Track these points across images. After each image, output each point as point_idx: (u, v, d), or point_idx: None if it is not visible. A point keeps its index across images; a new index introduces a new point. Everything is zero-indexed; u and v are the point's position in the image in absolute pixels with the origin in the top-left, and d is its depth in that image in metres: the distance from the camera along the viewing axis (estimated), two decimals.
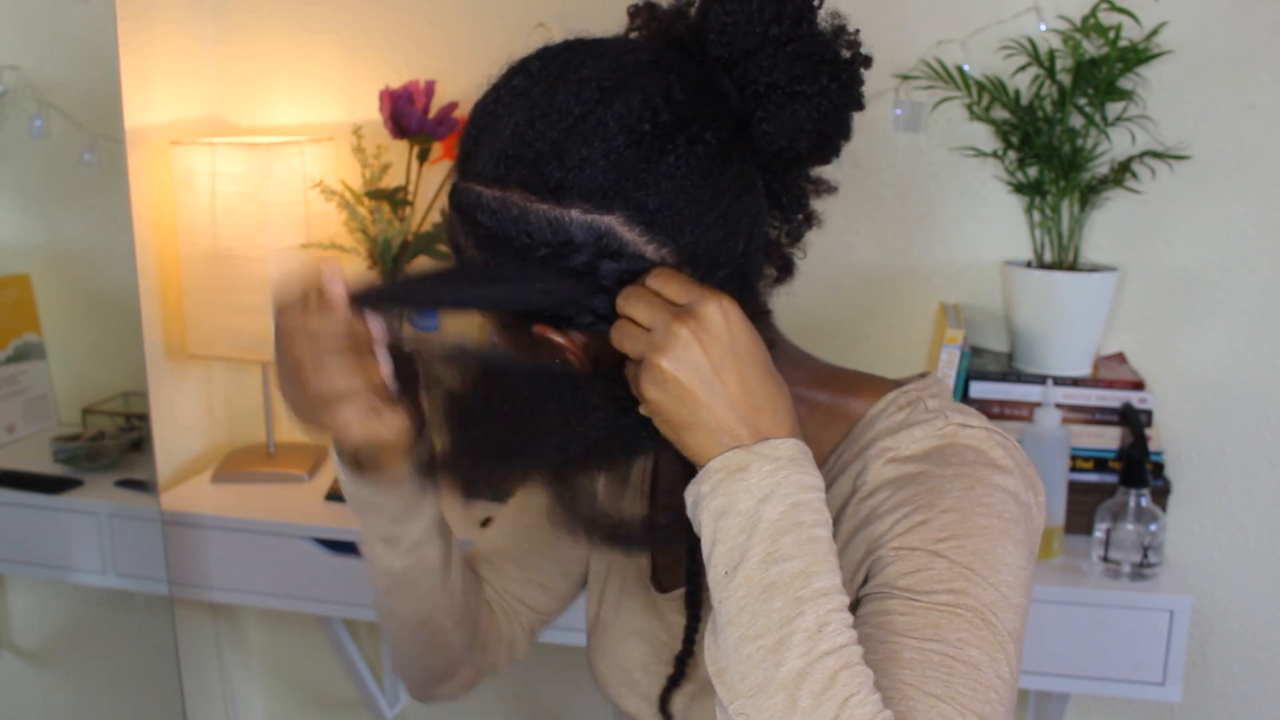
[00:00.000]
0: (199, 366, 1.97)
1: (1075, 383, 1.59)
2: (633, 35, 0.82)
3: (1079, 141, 1.57)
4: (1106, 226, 1.67)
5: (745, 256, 0.77)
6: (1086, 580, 1.49)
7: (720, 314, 0.70)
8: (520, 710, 2.07)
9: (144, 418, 1.74)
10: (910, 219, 1.74)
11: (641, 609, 0.97)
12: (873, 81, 0.80)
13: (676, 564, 0.94)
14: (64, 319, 1.76)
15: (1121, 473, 1.52)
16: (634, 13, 0.82)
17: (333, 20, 1.89)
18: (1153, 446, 1.54)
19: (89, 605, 1.87)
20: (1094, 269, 1.62)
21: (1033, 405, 1.56)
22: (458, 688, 1.04)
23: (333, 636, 1.93)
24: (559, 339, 0.75)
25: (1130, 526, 1.49)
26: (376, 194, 1.75)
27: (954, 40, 1.65)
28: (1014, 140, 1.61)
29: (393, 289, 0.81)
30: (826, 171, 0.83)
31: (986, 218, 1.71)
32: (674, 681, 0.92)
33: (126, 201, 1.67)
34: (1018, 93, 1.61)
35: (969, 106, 1.64)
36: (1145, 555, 1.48)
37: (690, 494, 0.72)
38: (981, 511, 0.74)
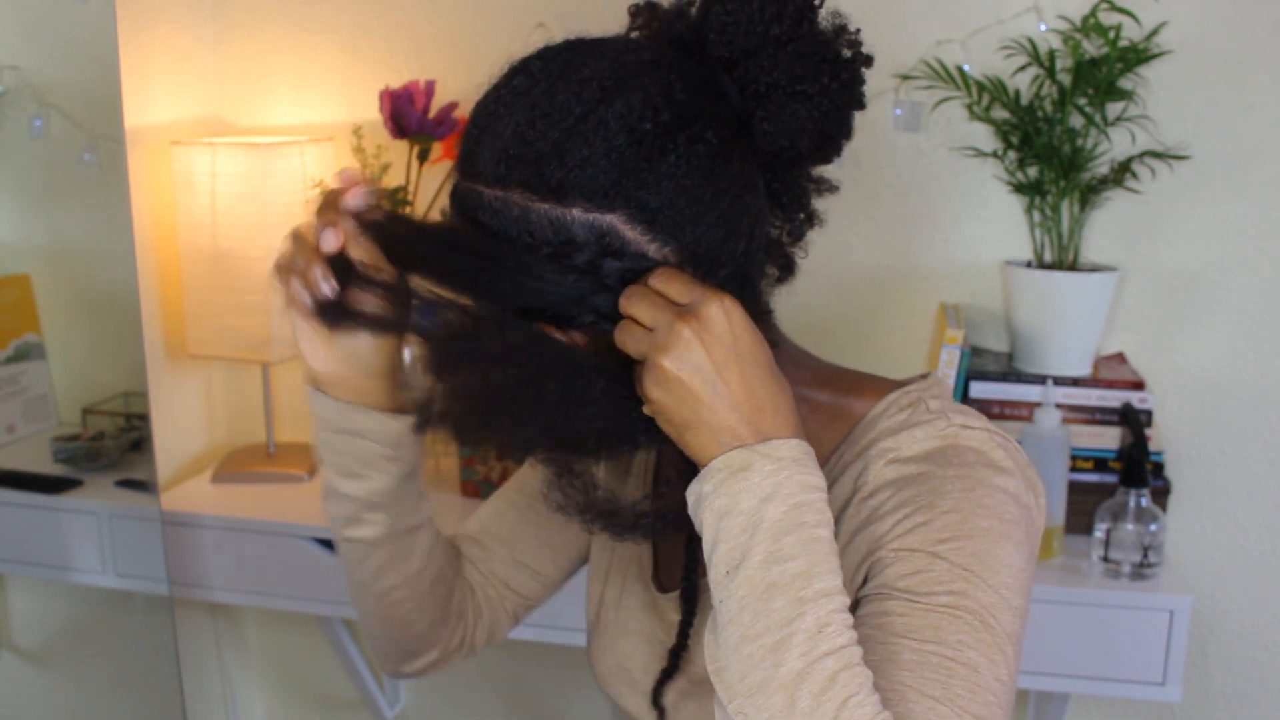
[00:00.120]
0: (199, 366, 1.97)
1: (1075, 383, 1.59)
2: (633, 35, 0.82)
3: (1079, 141, 1.57)
4: (1106, 226, 1.67)
5: (747, 256, 0.77)
6: (1086, 580, 1.49)
7: (722, 313, 0.71)
8: (520, 710, 2.07)
9: (144, 418, 1.74)
10: (910, 219, 1.74)
11: (642, 608, 0.97)
12: (873, 81, 0.80)
13: (677, 563, 0.94)
14: (64, 319, 1.76)
15: (1121, 473, 1.52)
16: (635, 12, 0.82)
17: (333, 20, 1.89)
18: (1153, 446, 1.55)
19: (89, 605, 1.87)
20: (1094, 269, 1.62)
21: (1033, 405, 1.56)
22: (427, 667, 1.03)
23: (333, 636, 1.93)
24: (561, 338, 0.75)
25: (1130, 526, 1.49)
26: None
27: (954, 40, 1.65)
28: (1014, 140, 1.61)
29: (407, 242, 0.79)
30: (826, 171, 0.83)
31: (986, 218, 1.71)
32: (667, 674, 0.92)
33: (126, 201, 1.67)
34: (1018, 93, 1.61)
35: (969, 106, 1.64)
36: (1145, 555, 1.49)
37: (692, 493, 0.72)
38: (982, 513, 0.74)
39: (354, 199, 0.78)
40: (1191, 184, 1.63)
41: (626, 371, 0.74)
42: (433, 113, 1.73)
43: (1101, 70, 1.55)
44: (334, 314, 0.80)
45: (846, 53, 0.78)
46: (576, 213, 0.72)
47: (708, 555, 0.70)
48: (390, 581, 0.93)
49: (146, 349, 1.77)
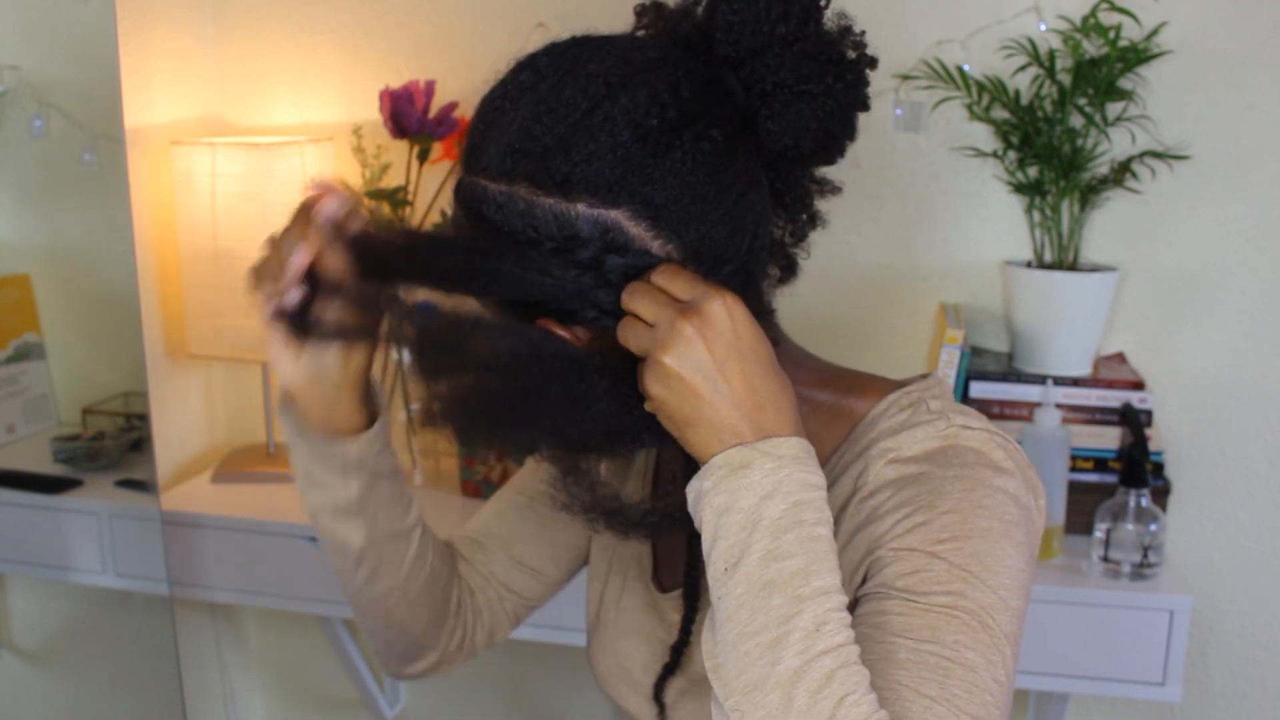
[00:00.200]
0: (199, 366, 1.97)
1: (1075, 383, 1.59)
2: (639, 34, 0.82)
3: (1079, 141, 1.57)
4: (1106, 226, 1.67)
5: (750, 254, 0.77)
6: (1086, 580, 1.49)
7: (724, 311, 0.71)
8: (520, 710, 2.07)
9: (144, 418, 1.74)
10: (910, 219, 1.74)
11: (642, 608, 0.97)
12: (873, 81, 0.80)
13: (678, 563, 0.94)
14: (64, 319, 1.76)
15: (1121, 473, 1.52)
16: (640, 12, 0.82)
17: (333, 20, 1.89)
18: (1153, 446, 1.55)
19: (89, 605, 1.87)
20: (1094, 269, 1.62)
21: (1033, 405, 1.56)
22: (428, 669, 1.03)
23: (333, 636, 1.93)
24: (563, 334, 0.75)
25: (1130, 526, 1.49)
26: (376, 194, 1.75)
27: (954, 40, 1.65)
28: (1014, 140, 1.61)
29: (392, 250, 0.78)
30: (827, 172, 0.83)
31: (986, 218, 1.71)
32: (669, 670, 0.92)
33: (126, 201, 1.67)
34: (1018, 93, 1.61)
35: (969, 106, 1.64)
36: (1145, 555, 1.49)
37: (692, 489, 0.72)
38: (982, 513, 0.74)
39: (330, 207, 0.77)
40: (1191, 184, 1.63)
41: (628, 368, 0.74)
42: (433, 113, 1.73)
43: (1101, 70, 1.55)
44: (302, 325, 0.79)
45: (851, 54, 0.78)
46: (581, 208, 0.72)
47: (707, 552, 0.70)
48: (381, 587, 0.92)
49: (146, 349, 1.77)
